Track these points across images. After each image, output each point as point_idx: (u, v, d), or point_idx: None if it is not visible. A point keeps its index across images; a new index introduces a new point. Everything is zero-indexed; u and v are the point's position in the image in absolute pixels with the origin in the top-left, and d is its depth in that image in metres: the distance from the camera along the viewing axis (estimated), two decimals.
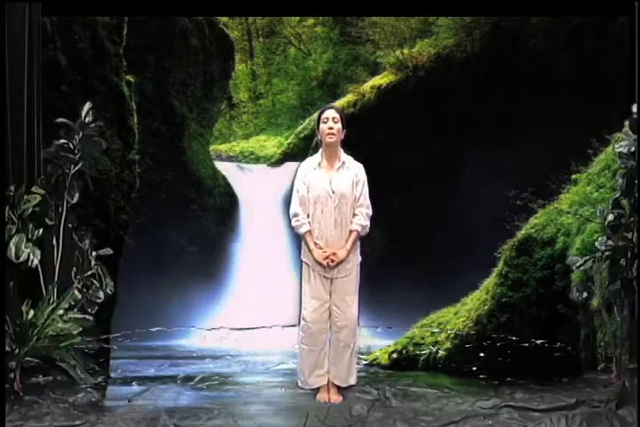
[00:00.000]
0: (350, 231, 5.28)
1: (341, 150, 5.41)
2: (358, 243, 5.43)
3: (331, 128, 5.29)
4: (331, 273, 5.27)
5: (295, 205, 5.33)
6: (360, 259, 5.44)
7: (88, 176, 6.12)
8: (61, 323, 5.34)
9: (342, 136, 5.37)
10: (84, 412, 4.77)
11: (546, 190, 10.90)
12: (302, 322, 5.33)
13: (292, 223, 5.32)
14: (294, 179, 5.41)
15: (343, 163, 5.37)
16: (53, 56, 7.80)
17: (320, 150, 5.43)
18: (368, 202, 5.40)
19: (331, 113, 5.34)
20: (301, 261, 5.39)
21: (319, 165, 5.37)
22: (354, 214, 5.32)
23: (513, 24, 17.05)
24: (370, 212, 5.37)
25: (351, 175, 5.34)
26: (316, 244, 5.23)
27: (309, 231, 5.26)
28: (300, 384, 5.37)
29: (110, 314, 8.04)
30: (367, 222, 5.34)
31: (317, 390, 5.33)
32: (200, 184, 20.91)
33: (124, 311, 8.98)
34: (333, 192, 5.26)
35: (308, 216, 5.29)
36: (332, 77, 29.43)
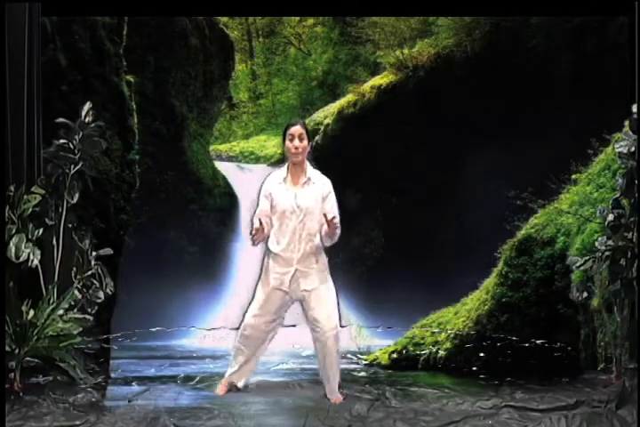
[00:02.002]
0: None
1: (308, 165, 5.37)
2: (325, 257, 5.36)
3: (296, 147, 5.26)
4: (288, 286, 5.25)
5: (254, 217, 5.28)
6: (327, 268, 5.38)
7: (88, 176, 6.12)
8: (61, 323, 5.34)
9: (309, 152, 5.34)
10: (84, 412, 4.77)
11: (546, 190, 10.90)
12: (242, 324, 5.35)
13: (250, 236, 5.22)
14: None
15: (309, 178, 5.33)
16: (53, 56, 7.79)
17: (286, 164, 5.40)
18: (337, 214, 5.29)
19: (296, 130, 5.29)
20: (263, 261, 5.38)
21: (284, 180, 5.33)
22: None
23: (513, 24, 17.04)
24: (339, 226, 5.23)
25: (318, 190, 5.30)
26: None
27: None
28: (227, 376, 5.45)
29: (110, 314, 8.03)
30: (339, 230, 5.23)
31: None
32: (200, 184, 20.91)
33: (124, 311, 8.97)
34: (299, 207, 5.23)
35: (263, 237, 5.22)
36: (331, 77, 29.44)
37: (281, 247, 5.24)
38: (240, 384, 5.45)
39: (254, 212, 5.35)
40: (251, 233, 5.15)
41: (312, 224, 5.22)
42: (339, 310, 5.36)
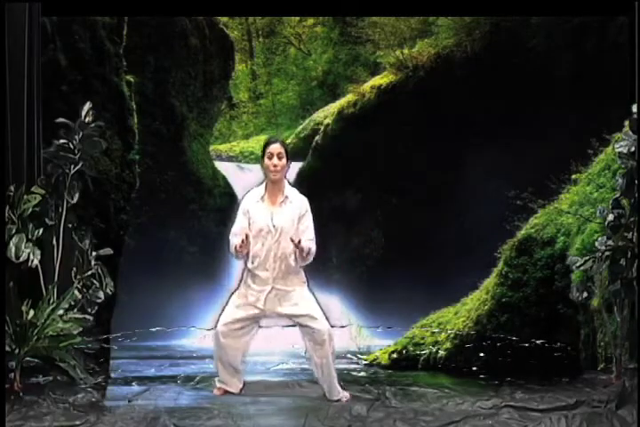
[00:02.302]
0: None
1: (286, 184, 5.36)
2: (303, 274, 5.35)
3: (275, 165, 5.23)
4: (264, 303, 5.25)
5: (232, 234, 5.30)
6: (305, 283, 5.37)
7: (88, 176, 6.12)
8: (61, 323, 5.34)
9: (287, 171, 5.32)
10: (84, 412, 4.77)
11: (546, 190, 10.90)
12: (214, 332, 5.31)
13: (231, 251, 5.25)
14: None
15: (286, 197, 5.31)
16: (53, 56, 7.79)
17: (264, 182, 5.38)
18: (313, 235, 5.30)
19: (275, 148, 5.26)
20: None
21: (262, 198, 5.32)
22: None
23: (513, 24, 17.04)
24: (314, 246, 5.25)
25: (294, 210, 5.29)
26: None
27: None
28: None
29: (110, 314, 8.03)
30: (313, 251, 5.23)
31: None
32: (200, 184, 20.91)
33: (124, 311, 8.97)
34: (274, 226, 5.22)
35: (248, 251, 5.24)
36: (331, 77, 29.45)
37: (255, 265, 5.25)
38: (233, 390, 5.42)
39: (231, 228, 5.35)
40: (235, 248, 5.17)
41: (287, 244, 5.19)
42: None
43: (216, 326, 5.31)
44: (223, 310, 5.35)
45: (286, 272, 5.26)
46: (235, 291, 5.39)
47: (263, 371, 9.27)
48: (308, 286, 5.38)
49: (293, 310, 5.26)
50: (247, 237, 5.16)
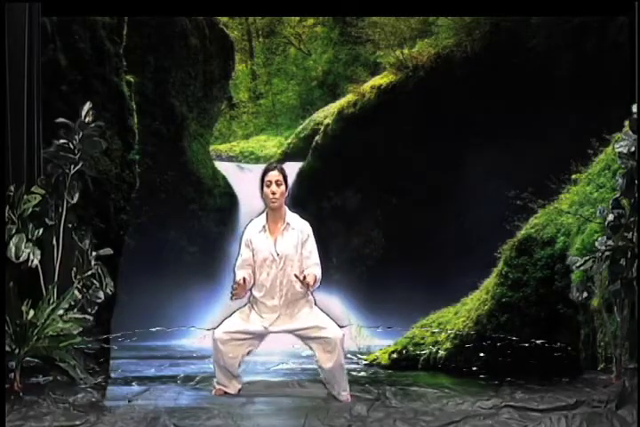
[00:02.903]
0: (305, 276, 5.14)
1: (286, 210, 5.33)
2: (309, 295, 5.33)
3: (274, 193, 5.19)
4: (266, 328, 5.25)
5: (236, 266, 5.27)
6: (312, 301, 5.36)
7: (88, 176, 6.12)
8: (61, 323, 5.34)
9: (286, 197, 5.27)
10: (84, 412, 4.77)
11: (546, 190, 10.90)
12: (213, 337, 5.28)
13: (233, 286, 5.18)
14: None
15: (287, 224, 5.28)
16: (53, 56, 7.79)
17: (265, 211, 5.35)
18: (318, 260, 5.28)
19: (273, 176, 5.21)
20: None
21: (264, 227, 5.29)
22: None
23: (513, 24, 17.04)
24: (319, 272, 5.23)
25: (296, 235, 5.26)
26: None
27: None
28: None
29: (110, 314, 8.04)
30: (319, 277, 5.22)
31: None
32: (200, 184, 20.91)
33: (124, 311, 8.98)
34: (278, 255, 5.21)
35: (254, 281, 5.23)
36: (331, 77, 29.45)
37: (262, 294, 5.25)
38: (231, 391, 5.40)
39: (235, 262, 5.32)
40: (232, 287, 5.12)
41: (292, 270, 5.19)
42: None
43: (215, 331, 5.29)
44: (229, 316, 5.32)
45: (293, 299, 5.26)
46: (244, 306, 5.34)
47: (263, 371, 9.27)
48: (315, 304, 5.36)
49: (300, 324, 5.24)
50: (244, 279, 5.11)
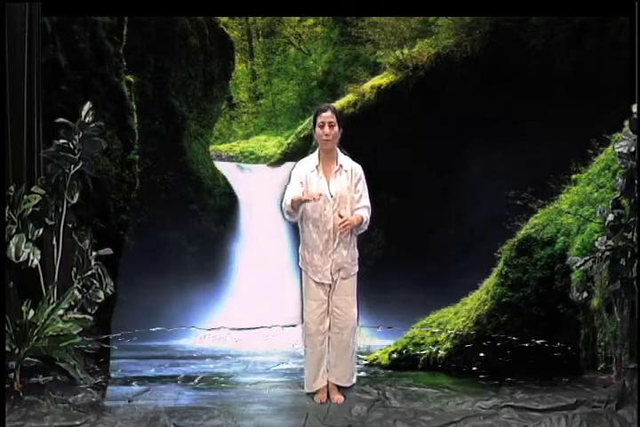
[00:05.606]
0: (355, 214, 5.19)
1: (339, 152, 5.29)
2: (355, 243, 5.38)
3: (327, 134, 5.16)
4: (330, 278, 5.28)
5: (285, 199, 5.19)
6: (357, 263, 5.43)
7: (88, 176, 6.11)
8: (61, 323, 5.34)
9: (339, 138, 5.25)
10: (84, 412, 4.77)
11: (546, 190, 10.90)
12: (303, 323, 5.32)
13: (285, 210, 5.18)
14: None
15: (340, 166, 5.25)
16: (53, 56, 7.79)
17: (317, 151, 5.31)
18: (368, 202, 5.32)
19: (327, 117, 5.16)
20: (300, 268, 5.36)
21: (317, 168, 5.24)
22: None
23: (513, 24, 17.06)
24: (368, 214, 5.28)
25: (349, 177, 5.25)
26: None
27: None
28: (306, 389, 5.33)
29: (110, 314, 8.04)
30: (368, 219, 5.27)
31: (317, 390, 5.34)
32: (200, 184, 20.92)
33: (124, 311, 8.98)
34: (332, 196, 5.17)
35: (302, 219, 5.23)
36: (331, 77, 29.45)
37: (316, 236, 5.20)
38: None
39: (283, 193, 5.25)
40: (290, 206, 5.07)
41: (345, 213, 5.16)
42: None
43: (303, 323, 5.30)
44: (302, 303, 5.33)
45: (346, 242, 5.27)
46: (301, 279, 5.34)
47: (263, 371, 9.27)
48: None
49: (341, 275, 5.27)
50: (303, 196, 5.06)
